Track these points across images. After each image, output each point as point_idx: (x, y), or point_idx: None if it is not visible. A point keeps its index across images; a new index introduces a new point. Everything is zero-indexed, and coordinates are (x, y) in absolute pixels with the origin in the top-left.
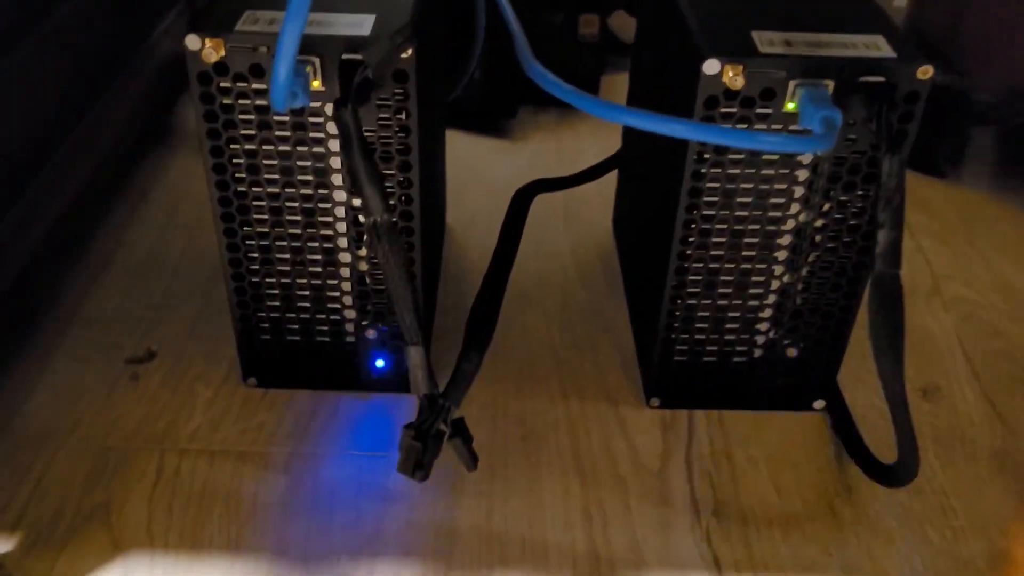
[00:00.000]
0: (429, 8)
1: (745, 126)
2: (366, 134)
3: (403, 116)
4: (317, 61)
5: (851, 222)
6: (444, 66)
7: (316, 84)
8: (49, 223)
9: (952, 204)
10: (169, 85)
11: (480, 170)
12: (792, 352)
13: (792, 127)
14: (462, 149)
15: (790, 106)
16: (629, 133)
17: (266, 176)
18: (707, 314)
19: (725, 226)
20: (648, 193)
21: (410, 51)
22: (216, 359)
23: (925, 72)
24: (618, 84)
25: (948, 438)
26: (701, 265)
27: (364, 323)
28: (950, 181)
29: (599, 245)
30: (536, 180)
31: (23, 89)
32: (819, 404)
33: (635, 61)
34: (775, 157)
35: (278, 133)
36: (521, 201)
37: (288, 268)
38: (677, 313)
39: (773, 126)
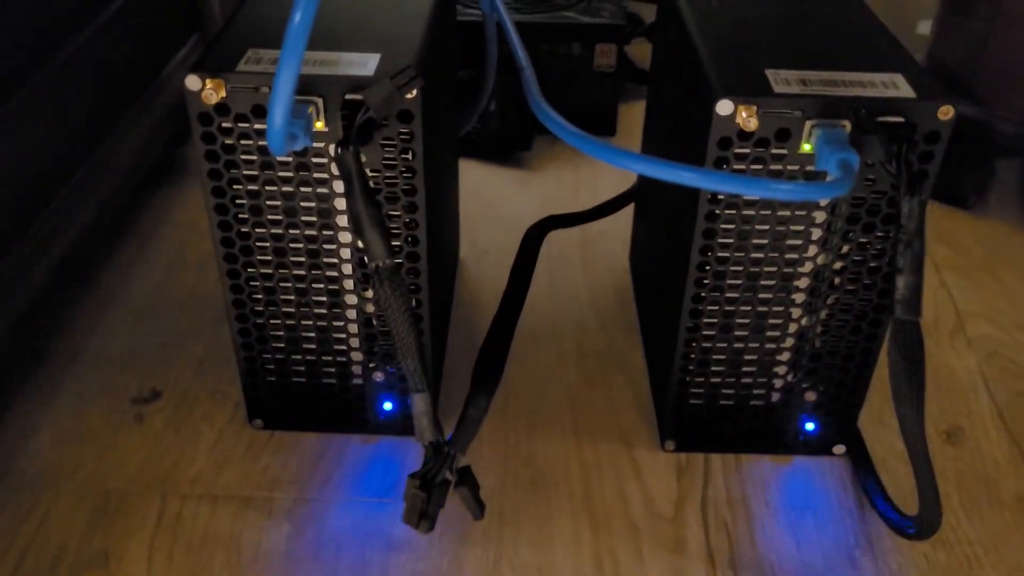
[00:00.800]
0: (436, 46)
1: (760, 167)
2: (371, 174)
3: (409, 156)
4: (320, 101)
5: (871, 264)
6: (457, 99)
7: (319, 125)
8: (56, 259)
9: (977, 236)
10: (180, 121)
11: (495, 202)
12: (811, 396)
13: (808, 167)
14: (477, 180)
15: (806, 147)
16: None
17: (269, 217)
18: (723, 356)
19: (740, 268)
20: (662, 231)
21: (415, 92)
22: (222, 399)
23: (946, 112)
24: (637, 112)
25: (972, 483)
26: (716, 307)
27: (371, 365)
28: (975, 212)
29: (616, 281)
30: (547, 217)
31: (33, 124)
32: (839, 449)
33: (651, 92)
34: None
35: (281, 174)
36: (532, 240)
37: (293, 309)
38: (692, 355)
39: (789, 167)
